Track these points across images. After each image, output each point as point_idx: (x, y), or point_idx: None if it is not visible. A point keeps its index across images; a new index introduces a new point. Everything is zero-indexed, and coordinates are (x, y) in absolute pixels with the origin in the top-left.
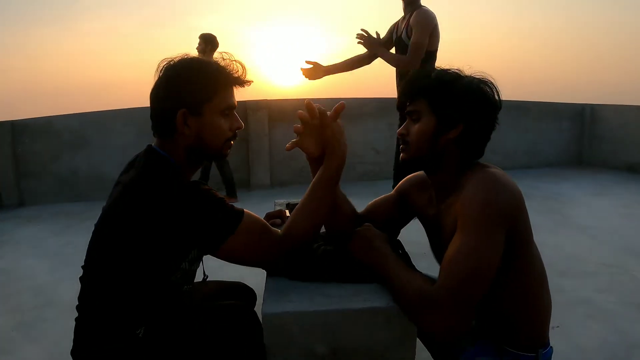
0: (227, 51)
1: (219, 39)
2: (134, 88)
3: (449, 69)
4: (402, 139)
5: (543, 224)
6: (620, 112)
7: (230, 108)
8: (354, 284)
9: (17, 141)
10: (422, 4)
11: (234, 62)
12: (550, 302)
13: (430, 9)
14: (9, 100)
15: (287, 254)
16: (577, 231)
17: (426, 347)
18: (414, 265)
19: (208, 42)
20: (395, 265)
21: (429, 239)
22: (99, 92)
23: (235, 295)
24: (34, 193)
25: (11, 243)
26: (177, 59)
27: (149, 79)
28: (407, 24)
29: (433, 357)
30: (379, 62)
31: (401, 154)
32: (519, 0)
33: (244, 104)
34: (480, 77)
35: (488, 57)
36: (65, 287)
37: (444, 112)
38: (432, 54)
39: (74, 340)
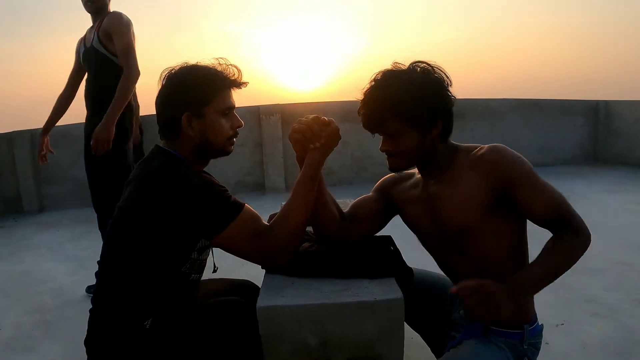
0: (222, 56)
1: (234, 43)
2: (153, 95)
3: (391, 76)
4: (387, 153)
5: None
6: (635, 107)
7: (229, 108)
8: (345, 280)
9: (36, 149)
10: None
11: (229, 66)
12: None
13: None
14: (29, 108)
15: (280, 249)
16: None
17: (422, 338)
18: (404, 262)
19: None
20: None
21: (415, 225)
22: None
23: (241, 292)
24: (54, 199)
25: (32, 247)
26: (177, 67)
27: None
28: (98, 30)
29: (428, 346)
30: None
31: (391, 166)
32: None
33: (257, 109)
34: (422, 66)
35: (500, 55)
36: (84, 288)
37: (421, 122)
38: None
39: (88, 330)
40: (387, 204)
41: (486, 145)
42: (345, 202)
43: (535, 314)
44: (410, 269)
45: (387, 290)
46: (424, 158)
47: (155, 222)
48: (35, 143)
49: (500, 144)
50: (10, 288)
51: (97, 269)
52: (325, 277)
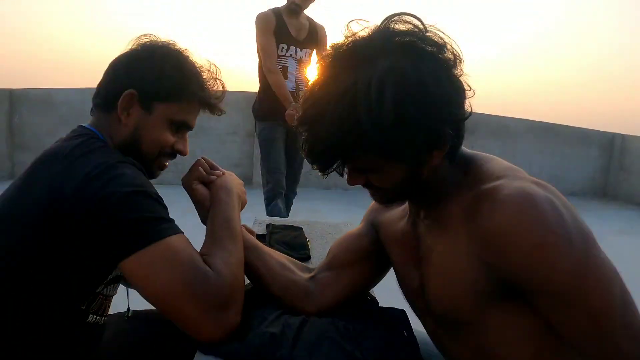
0: (217, 66)
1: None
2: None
3: (345, 75)
4: (365, 187)
5: None
6: None
7: (183, 125)
8: None
9: (13, 111)
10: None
11: (217, 82)
12: None
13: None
14: (10, 66)
15: (226, 297)
16: None
17: None
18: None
19: None
20: None
21: (402, 279)
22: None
23: (165, 338)
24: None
25: None
26: (162, 42)
27: None
28: None
29: None
30: None
31: (375, 200)
32: (553, 19)
33: (255, 95)
34: (403, 41)
35: (517, 76)
36: None
37: (409, 155)
38: None
39: None
40: (376, 240)
41: (504, 187)
42: (338, 227)
43: None
44: None
45: None
46: (421, 191)
47: (53, 231)
48: (13, 105)
49: (530, 192)
50: None
51: None
52: None
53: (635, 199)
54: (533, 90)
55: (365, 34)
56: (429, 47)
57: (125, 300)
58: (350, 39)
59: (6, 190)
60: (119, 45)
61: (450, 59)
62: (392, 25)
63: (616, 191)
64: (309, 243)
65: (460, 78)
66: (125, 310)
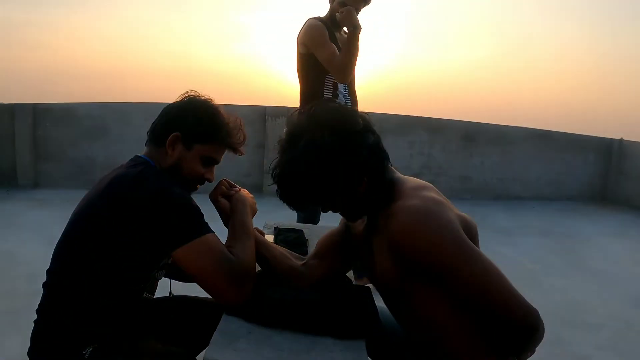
0: (241, 118)
1: (246, 35)
2: (163, 81)
3: (286, 161)
4: (333, 212)
5: (555, 264)
6: None
7: (212, 161)
8: (309, 336)
9: (37, 124)
10: None
11: (240, 131)
12: None
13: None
14: (35, 79)
15: (244, 275)
16: (589, 276)
17: None
18: (379, 321)
19: None
20: None
21: (366, 265)
22: (130, 79)
23: (198, 317)
24: (49, 176)
25: (18, 225)
26: (204, 98)
27: (180, 74)
28: None
29: None
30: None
31: (345, 218)
32: (552, 24)
33: (264, 110)
34: (323, 130)
35: (514, 82)
36: None
37: (341, 192)
38: None
39: (31, 342)
40: (348, 237)
41: (399, 208)
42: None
43: None
44: (383, 328)
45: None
46: (365, 207)
47: (124, 230)
48: (37, 118)
49: (413, 209)
50: None
51: None
52: (287, 329)
53: (632, 203)
54: (532, 95)
55: (300, 117)
56: (342, 120)
57: (164, 293)
58: (290, 123)
59: (84, 198)
60: (141, 54)
61: (359, 122)
62: (317, 108)
63: (614, 195)
64: (307, 242)
65: (367, 132)
66: (169, 292)
